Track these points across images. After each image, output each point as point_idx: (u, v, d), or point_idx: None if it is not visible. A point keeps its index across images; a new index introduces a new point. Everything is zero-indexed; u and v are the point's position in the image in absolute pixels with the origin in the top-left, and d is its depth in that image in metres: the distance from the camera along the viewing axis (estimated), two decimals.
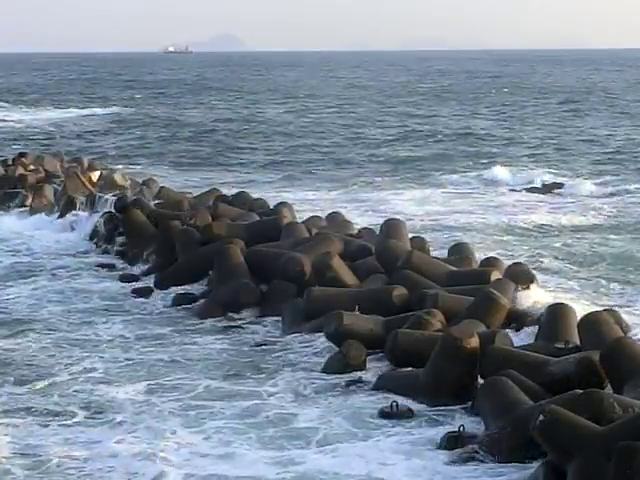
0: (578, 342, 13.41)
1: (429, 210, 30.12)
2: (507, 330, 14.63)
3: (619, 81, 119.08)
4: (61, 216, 25.53)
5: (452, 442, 11.55)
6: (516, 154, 44.86)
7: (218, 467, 11.30)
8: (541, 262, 21.84)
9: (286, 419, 12.67)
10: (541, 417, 10.31)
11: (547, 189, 34.20)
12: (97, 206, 24.97)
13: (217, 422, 12.58)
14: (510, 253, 22.78)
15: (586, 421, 10.30)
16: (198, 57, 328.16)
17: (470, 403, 12.51)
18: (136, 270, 20.96)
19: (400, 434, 12.10)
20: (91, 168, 31.18)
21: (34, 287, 19.94)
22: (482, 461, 11.12)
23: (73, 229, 24.78)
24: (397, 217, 22.21)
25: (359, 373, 14.07)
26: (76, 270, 21.42)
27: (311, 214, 23.44)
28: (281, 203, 24.22)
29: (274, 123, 62.21)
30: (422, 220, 27.72)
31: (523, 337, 14.65)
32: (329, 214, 23.41)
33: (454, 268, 17.68)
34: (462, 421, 12.14)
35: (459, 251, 19.27)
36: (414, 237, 20.15)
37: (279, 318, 17.06)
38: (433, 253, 19.69)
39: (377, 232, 20.32)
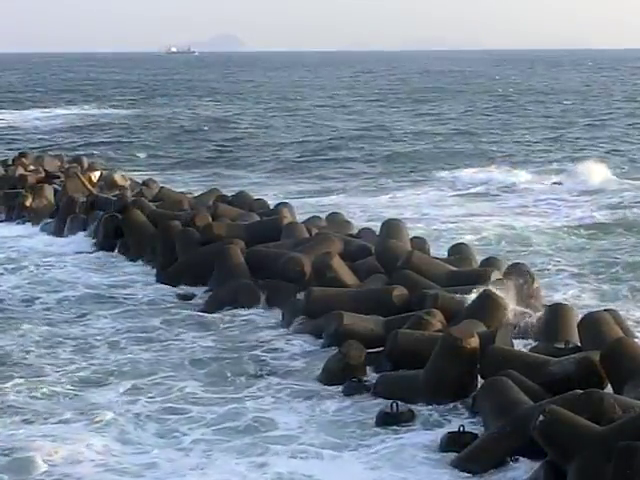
0: (578, 342, 13.41)
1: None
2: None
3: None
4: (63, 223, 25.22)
5: (452, 443, 11.56)
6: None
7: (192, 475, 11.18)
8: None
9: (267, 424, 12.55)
10: (541, 417, 10.31)
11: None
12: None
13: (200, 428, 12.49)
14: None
15: (586, 421, 10.30)
16: (199, 57, 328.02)
17: (471, 403, 12.52)
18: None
19: (398, 436, 12.11)
20: (91, 168, 31.21)
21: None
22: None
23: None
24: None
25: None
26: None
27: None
28: (281, 203, 24.24)
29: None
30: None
31: None
32: (329, 214, 23.44)
33: (454, 268, 17.68)
34: (462, 421, 12.17)
35: (459, 251, 19.27)
36: (414, 237, 20.16)
37: (279, 319, 17.08)
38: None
39: (377, 232, 20.33)
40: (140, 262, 21.64)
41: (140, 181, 29.70)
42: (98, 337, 16.46)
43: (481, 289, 15.45)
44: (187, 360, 15.21)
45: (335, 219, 22.59)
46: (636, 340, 12.99)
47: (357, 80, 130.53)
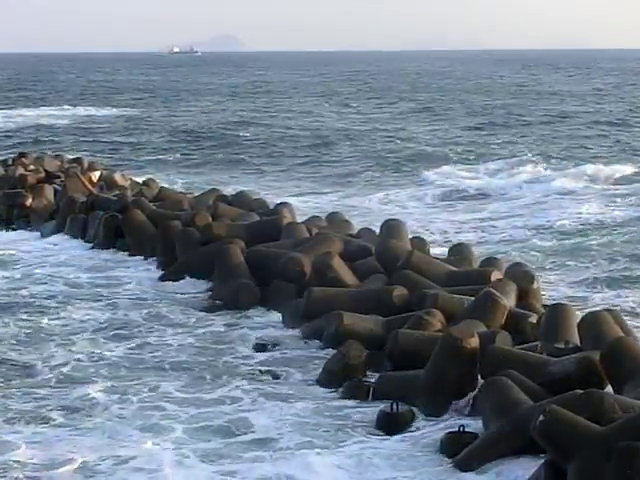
0: (578, 342, 13.41)
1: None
2: None
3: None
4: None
5: (452, 443, 11.56)
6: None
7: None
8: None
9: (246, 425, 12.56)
10: (541, 417, 10.31)
11: None
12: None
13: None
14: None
15: (586, 421, 10.30)
16: (202, 57, 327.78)
17: (471, 402, 12.52)
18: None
19: (398, 436, 12.11)
20: (91, 168, 31.18)
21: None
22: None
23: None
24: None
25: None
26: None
27: None
28: (281, 203, 24.23)
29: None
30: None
31: None
32: (329, 214, 23.43)
33: (454, 268, 17.68)
34: (462, 421, 12.17)
35: (459, 251, 19.27)
36: (414, 237, 20.16)
37: (278, 319, 17.10)
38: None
39: (377, 232, 20.32)
40: (139, 261, 21.64)
41: (140, 181, 29.69)
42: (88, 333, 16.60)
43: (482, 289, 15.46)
44: (185, 360, 15.25)
45: (335, 219, 22.58)
46: (636, 340, 12.98)
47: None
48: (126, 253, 22.29)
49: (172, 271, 20.12)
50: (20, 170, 30.40)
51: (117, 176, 29.70)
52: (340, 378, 13.86)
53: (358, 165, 42.06)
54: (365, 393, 13.42)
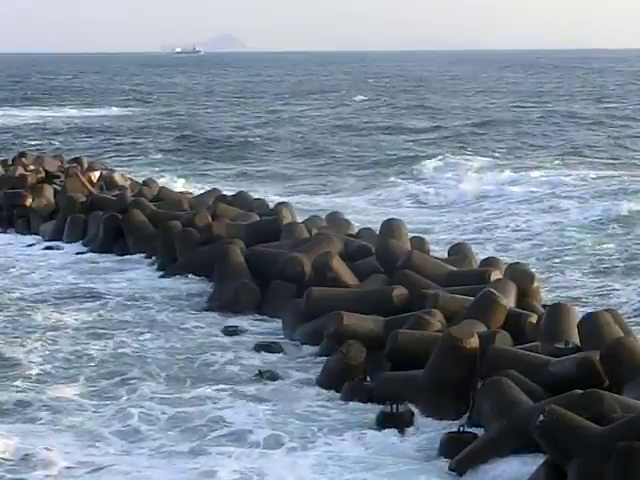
0: (578, 342, 13.40)
1: None
2: None
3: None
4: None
5: (452, 443, 11.56)
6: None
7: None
8: None
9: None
10: (541, 417, 10.31)
11: None
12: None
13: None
14: None
15: (586, 421, 10.29)
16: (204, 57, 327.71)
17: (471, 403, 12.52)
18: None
19: (398, 436, 12.11)
20: (91, 168, 31.16)
21: None
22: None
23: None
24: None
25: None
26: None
27: None
28: (281, 203, 24.24)
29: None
30: None
31: None
32: (329, 214, 23.43)
33: (454, 268, 17.68)
34: (462, 421, 12.17)
35: (459, 251, 19.26)
36: (414, 237, 20.15)
37: (278, 319, 17.10)
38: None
39: (377, 232, 20.32)
40: (137, 263, 21.63)
41: (140, 181, 29.68)
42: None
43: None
44: (184, 359, 15.28)
45: (335, 219, 22.57)
46: (636, 340, 12.97)
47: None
48: (125, 256, 22.25)
49: (171, 271, 20.12)
50: (20, 170, 30.38)
51: (117, 176, 29.71)
52: (340, 378, 13.87)
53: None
54: (365, 393, 13.42)
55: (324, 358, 14.72)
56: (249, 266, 18.59)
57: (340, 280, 17.20)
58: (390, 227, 19.71)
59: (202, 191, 28.78)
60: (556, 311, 14.35)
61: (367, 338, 14.58)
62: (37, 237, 25.48)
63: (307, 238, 19.59)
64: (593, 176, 35.15)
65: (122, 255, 22.29)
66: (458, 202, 32.05)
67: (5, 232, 26.68)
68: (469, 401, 12.45)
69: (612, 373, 11.97)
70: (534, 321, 14.72)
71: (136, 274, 20.78)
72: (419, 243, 19.58)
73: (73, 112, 77.88)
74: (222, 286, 18.43)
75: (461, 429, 11.74)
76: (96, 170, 30.70)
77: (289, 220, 21.26)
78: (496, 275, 16.83)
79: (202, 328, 16.98)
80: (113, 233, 22.71)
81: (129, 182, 29.39)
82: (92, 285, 19.82)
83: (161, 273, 20.38)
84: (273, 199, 27.70)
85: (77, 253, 23.05)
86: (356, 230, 21.38)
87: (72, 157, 35.19)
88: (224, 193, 26.29)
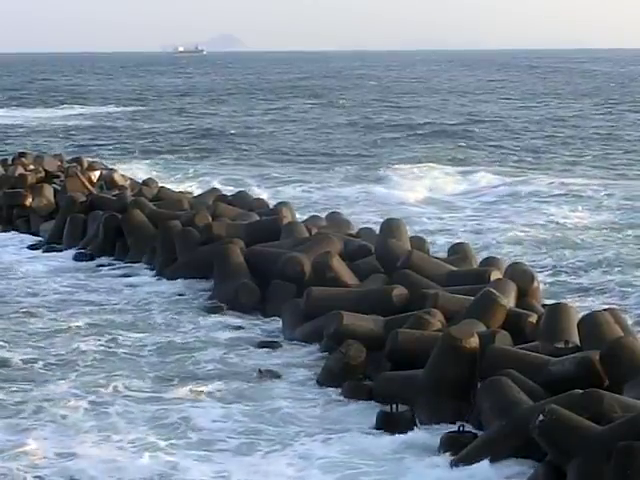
0: (578, 342, 13.40)
1: None
2: None
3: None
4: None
5: (452, 443, 11.56)
6: None
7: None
8: None
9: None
10: (541, 417, 10.31)
11: None
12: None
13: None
14: None
15: (586, 421, 10.30)
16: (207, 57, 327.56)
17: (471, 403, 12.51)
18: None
19: (398, 436, 12.10)
20: (91, 168, 31.17)
21: None
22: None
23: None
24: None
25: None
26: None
27: None
28: (281, 203, 24.24)
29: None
30: None
31: None
32: (329, 214, 23.42)
33: (454, 268, 17.67)
34: (461, 421, 12.17)
35: (459, 251, 19.25)
36: (414, 237, 20.14)
37: (278, 319, 17.10)
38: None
39: (377, 232, 20.30)
40: (136, 267, 21.61)
41: (140, 181, 29.66)
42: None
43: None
44: (186, 361, 15.26)
45: (335, 219, 22.56)
46: (636, 340, 12.96)
47: None
48: (124, 261, 22.15)
49: (170, 273, 20.07)
50: (20, 170, 30.38)
51: (117, 176, 29.70)
52: (340, 378, 13.87)
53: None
54: (365, 393, 13.43)
55: (324, 357, 14.73)
56: (249, 266, 18.59)
57: (340, 280, 17.20)
58: (390, 227, 19.69)
59: (200, 190, 28.80)
60: (556, 311, 14.34)
61: (367, 338, 14.58)
62: (37, 237, 25.43)
63: (307, 238, 19.59)
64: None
65: (121, 260, 22.13)
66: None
67: (5, 232, 26.64)
68: (469, 401, 12.45)
69: (612, 373, 11.96)
70: (534, 321, 14.71)
71: (135, 279, 20.68)
72: (419, 243, 19.57)
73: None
74: (222, 286, 18.43)
75: (461, 429, 11.73)
76: (96, 170, 30.71)
77: (289, 220, 21.25)
78: (496, 275, 16.83)
79: (201, 327, 16.99)
80: (113, 233, 22.68)
81: (129, 182, 29.38)
82: (90, 289, 19.75)
83: (157, 277, 20.31)
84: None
85: (76, 255, 22.92)
86: (356, 230, 21.37)
87: (72, 157, 35.23)
88: (224, 193, 26.31)
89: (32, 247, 24.46)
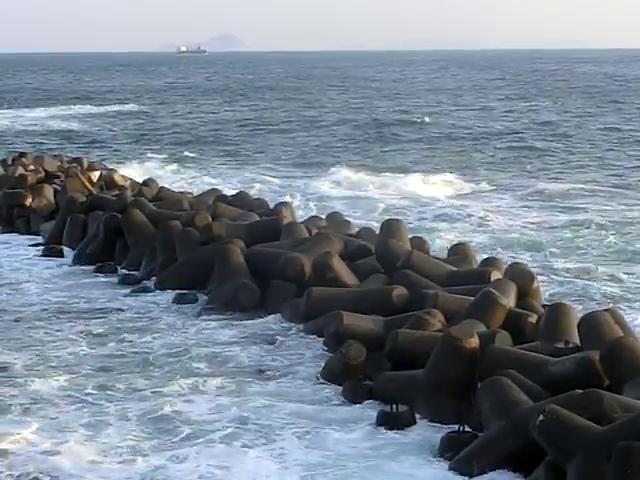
0: (578, 342, 13.41)
1: None
2: None
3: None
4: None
5: (452, 443, 11.58)
6: None
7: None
8: None
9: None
10: (541, 417, 10.32)
11: None
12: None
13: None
14: None
15: (586, 421, 10.30)
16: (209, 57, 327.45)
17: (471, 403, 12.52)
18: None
19: (398, 436, 12.13)
20: (91, 168, 31.17)
21: None
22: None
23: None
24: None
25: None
26: None
27: None
28: (281, 203, 24.24)
29: None
30: None
31: None
32: (329, 214, 23.42)
33: (454, 268, 17.68)
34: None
35: (459, 251, 19.26)
36: (414, 237, 20.14)
37: (278, 319, 17.11)
38: None
39: (377, 232, 20.31)
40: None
41: (140, 181, 29.67)
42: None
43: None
44: (185, 358, 15.30)
45: (335, 219, 22.57)
46: (636, 340, 12.97)
47: None
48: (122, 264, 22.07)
49: (169, 274, 20.02)
50: (20, 170, 30.39)
51: (117, 176, 29.70)
52: (340, 378, 13.88)
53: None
54: (365, 393, 13.44)
55: (325, 356, 14.76)
56: (249, 266, 18.59)
57: (340, 280, 17.20)
58: (390, 227, 19.69)
59: (201, 191, 28.79)
60: (556, 311, 14.36)
61: (367, 338, 14.59)
62: (37, 237, 25.43)
63: (307, 238, 19.60)
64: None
65: (121, 263, 22.06)
66: None
67: (5, 232, 26.64)
68: (470, 401, 12.46)
69: (612, 373, 11.97)
70: (534, 321, 14.72)
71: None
72: (419, 243, 19.58)
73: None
74: (222, 286, 18.43)
75: (461, 429, 11.74)
76: (96, 170, 30.70)
77: (289, 220, 21.26)
78: (496, 275, 16.84)
79: (201, 326, 17.04)
80: (113, 233, 22.66)
81: (129, 182, 29.38)
82: (87, 293, 19.67)
83: (161, 276, 20.28)
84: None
85: (76, 258, 22.85)
86: (356, 230, 21.38)
87: (72, 157, 35.24)
88: (224, 193, 26.31)
89: (32, 247, 24.47)
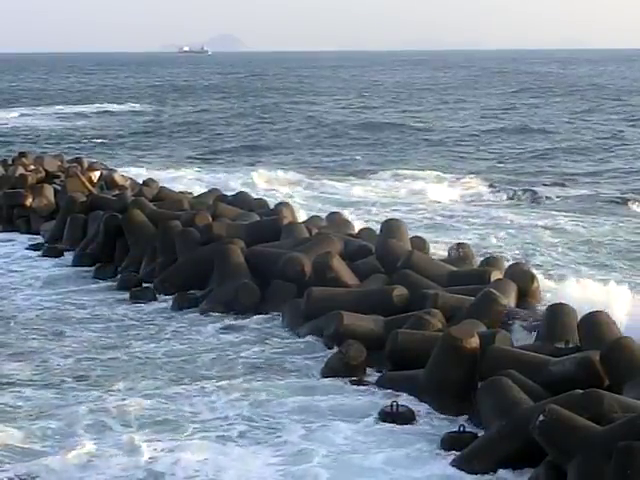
0: (578, 342, 13.42)
1: None
2: None
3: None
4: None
5: (452, 443, 11.59)
6: None
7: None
8: None
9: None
10: (541, 417, 10.32)
11: None
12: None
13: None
14: None
15: (586, 421, 10.31)
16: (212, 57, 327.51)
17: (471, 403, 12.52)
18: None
19: (398, 436, 12.13)
20: (91, 168, 31.16)
21: None
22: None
23: None
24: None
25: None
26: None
27: None
28: (281, 203, 24.23)
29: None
30: None
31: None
32: (329, 214, 23.42)
33: (454, 268, 17.69)
34: (462, 421, 12.19)
35: (459, 251, 19.25)
36: (414, 237, 20.15)
37: (278, 319, 17.11)
38: None
39: (377, 232, 20.32)
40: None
41: (140, 181, 29.67)
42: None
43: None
44: (187, 359, 15.31)
45: (335, 219, 22.57)
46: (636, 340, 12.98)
47: None
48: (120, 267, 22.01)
49: (169, 275, 20.01)
50: (20, 170, 30.38)
51: (117, 176, 29.69)
52: (340, 377, 13.89)
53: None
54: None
55: (327, 355, 14.78)
56: (249, 266, 18.58)
57: (340, 280, 17.21)
58: (390, 227, 19.71)
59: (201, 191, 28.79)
60: (556, 311, 14.36)
61: (367, 338, 14.60)
62: (37, 237, 25.42)
63: (307, 238, 19.59)
64: None
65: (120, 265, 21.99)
66: None
67: (5, 232, 26.64)
68: (470, 401, 12.46)
69: (612, 373, 11.98)
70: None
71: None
72: (419, 243, 19.58)
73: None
74: (222, 286, 18.42)
75: (461, 429, 11.75)
76: (96, 170, 30.70)
77: (289, 220, 21.25)
78: (496, 275, 16.85)
79: (202, 327, 17.04)
80: (113, 233, 22.64)
81: (129, 182, 29.37)
82: (87, 298, 19.59)
83: (161, 277, 20.25)
84: None
85: (76, 258, 22.81)
86: (356, 230, 21.38)
87: (73, 157, 35.23)
88: (224, 193, 26.31)
89: (32, 247, 24.47)
